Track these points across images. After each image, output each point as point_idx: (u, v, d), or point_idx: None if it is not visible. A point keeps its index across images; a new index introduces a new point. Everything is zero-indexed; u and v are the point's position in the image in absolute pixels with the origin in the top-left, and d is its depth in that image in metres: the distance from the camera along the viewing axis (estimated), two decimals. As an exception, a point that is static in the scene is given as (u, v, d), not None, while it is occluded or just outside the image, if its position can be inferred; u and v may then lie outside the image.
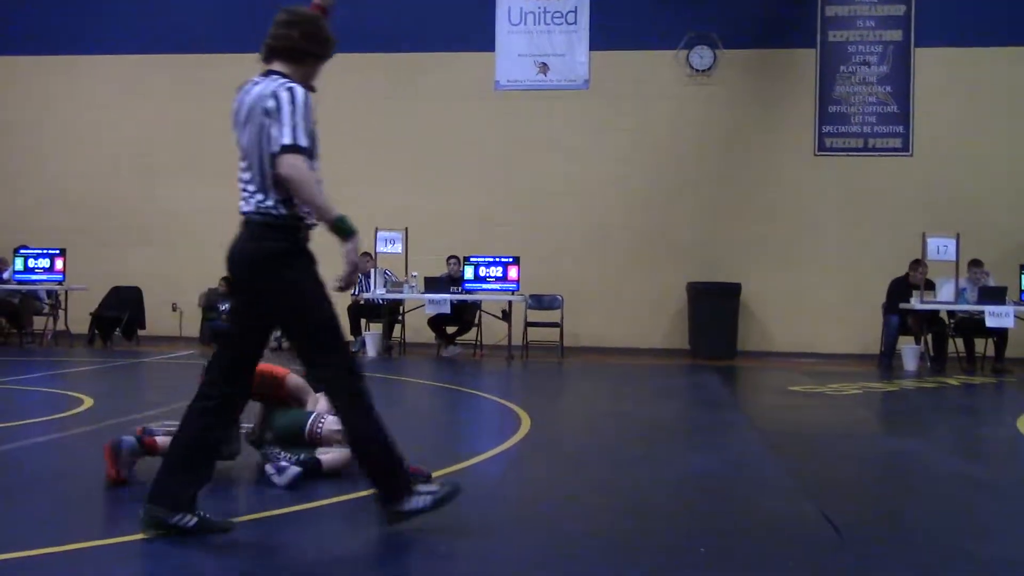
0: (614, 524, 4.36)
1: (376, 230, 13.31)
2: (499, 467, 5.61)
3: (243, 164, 3.99)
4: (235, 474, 5.04)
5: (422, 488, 4.02)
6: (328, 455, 4.99)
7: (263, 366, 4.76)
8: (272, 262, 3.90)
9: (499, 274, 13.28)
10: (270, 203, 3.89)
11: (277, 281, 3.91)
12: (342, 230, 3.93)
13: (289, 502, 4.49)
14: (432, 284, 13.09)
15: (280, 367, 5.30)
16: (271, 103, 3.82)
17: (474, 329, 13.56)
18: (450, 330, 13.55)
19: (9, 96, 15.65)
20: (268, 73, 4.01)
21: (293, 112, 3.78)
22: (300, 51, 4.07)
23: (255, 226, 3.92)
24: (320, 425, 5.10)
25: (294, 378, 5.28)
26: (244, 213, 3.97)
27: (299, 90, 3.86)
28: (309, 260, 4.04)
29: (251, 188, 3.93)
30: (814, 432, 7.23)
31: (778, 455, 6.01)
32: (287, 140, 3.75)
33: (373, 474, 3.96)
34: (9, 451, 5.70)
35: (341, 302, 13.83)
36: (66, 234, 14.62)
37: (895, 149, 14.27)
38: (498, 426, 6.52)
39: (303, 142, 3.78)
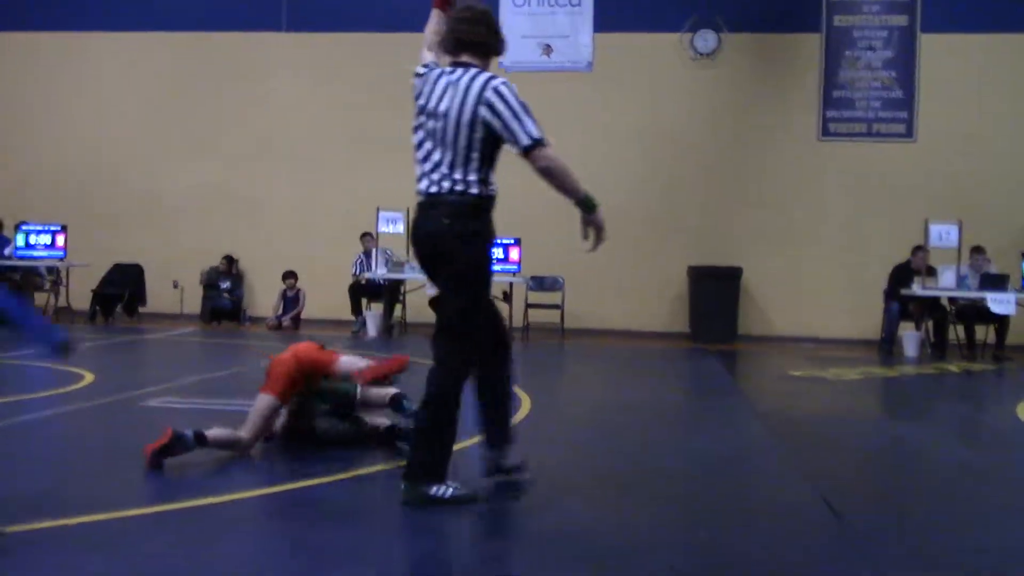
0: (613, 507, 4.37)
1: (378, 210, 13.29)
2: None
3: (431, 146, 4.25)
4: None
5: (448, 482, 4.10)
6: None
7: (305, 360, 5.05)
8: (467, 240, 4.16)
9: (500, 255, 13.26)
10: (466, 186, 4.16)
11: (464, 256, 4.17)
12: (589, 204, 4.26)
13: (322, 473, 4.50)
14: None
15: (323, 353, 5.25)
16: (494, 98, 4.17)
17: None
18: (451, 311, 13.55)
19: (10, 73, 15.59)
20: (459, 64, 4.33)
21: (523, 107, 4.20)
22: (488, 46, 4.47)
23: (449, 206, 4.15)
24: (368, 390, 5.19)
25: (343, 359, 5.27)
26: (433, 194, 4.20)
27: (512, 85, 4.25)
28: (491, 239, 4.33)
29: (444, 170, 4.18)
30: (814, 417, 7.24)
31: (778, 440, 6.02)
32: (536, 134, 4.18)
33: (420, 445, 4.10)
34: (12, 425, 5.71)
35: (342, 283, 13.88)
36: (67, 211, 14.60)
37: (899, 135, 14.24)
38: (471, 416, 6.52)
39: (543, 133, 4.18)
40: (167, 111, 15.26)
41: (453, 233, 4.12)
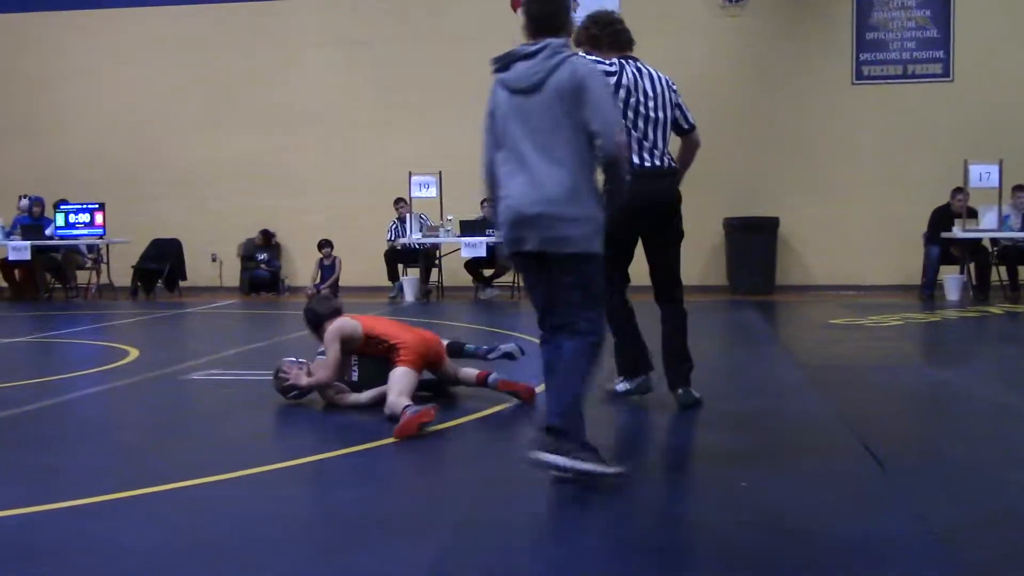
0: (654, 461, 4.39)
1: (410, 174, 13.30)
2: (538, 407, 5.65)
3: (645, 126, 5.18)
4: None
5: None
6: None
7: (433, 350, 5.53)
8: (679, 204, 5.35)
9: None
10: (672, 160, 5.34)
11: (679, 217, 5.37)
12: None
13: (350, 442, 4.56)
14: (468, 227, 13.09)
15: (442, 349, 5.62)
16: (675, 87, 5.36)
17: (510, 271, 13.58)
18: (487, 272, 13.59)
19: (44, 52, 15.73)
20: (626, 57, 5.34)
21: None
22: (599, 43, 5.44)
23: (670, 177, 5.26)
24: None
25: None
26: (659, 167, 5.19)
27: None
28: None
29: (661, 147, 5.22)
30: (855, 365, 7.20)
31: (819, 388, 6.00)
32: (693, 121, 5.51)
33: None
34: (62, 403, 5.83)
35: (377, 248, 13.94)
36: (104, 188, 14.78)
37: (935, 75, 13.96)
38: (537, 366, 6.55)
39: None
40: (198, 84, 15.34)
41: (678, 198, 5.30)
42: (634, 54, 5.41)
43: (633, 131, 5.09)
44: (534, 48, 3.89)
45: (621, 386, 5.55)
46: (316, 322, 5.52)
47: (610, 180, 3.92)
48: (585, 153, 3.84)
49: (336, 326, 5.37)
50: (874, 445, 4.38)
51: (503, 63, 3.96)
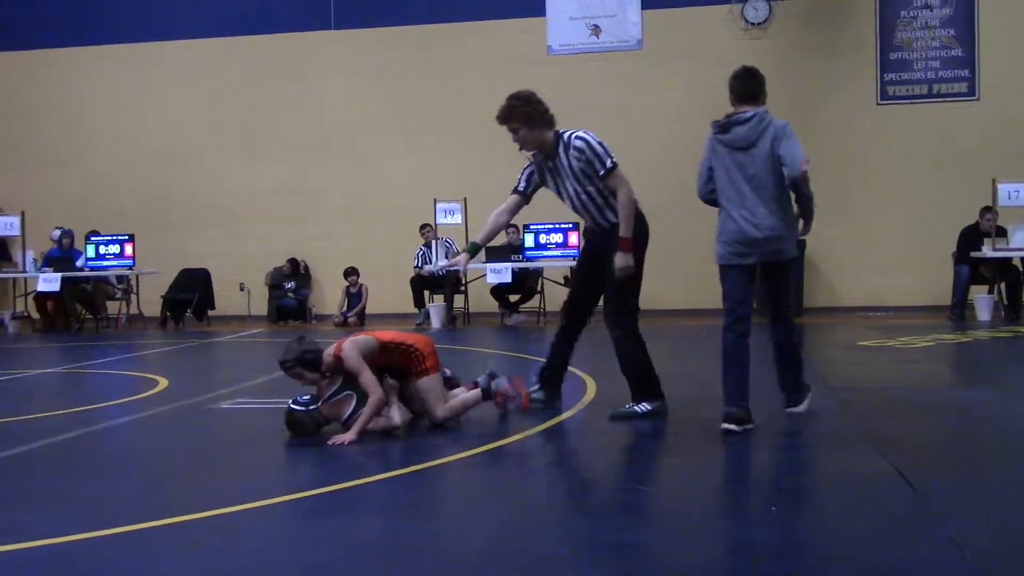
0: (682, 486, 4.36)
1: (435, 201, 13.37)
2: (567, 432, 5.65)
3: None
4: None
5: (647, 404, 5.79)
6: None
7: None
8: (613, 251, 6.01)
9: (560, 240, 13.26)
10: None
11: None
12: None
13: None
14: (493, 253, 13.13)
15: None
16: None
17: (537, 296, 13.59)
18: (513, 298, 13.60)
19: (76, 85, 15.98)
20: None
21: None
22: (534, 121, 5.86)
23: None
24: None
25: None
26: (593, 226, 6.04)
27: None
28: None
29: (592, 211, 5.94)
30: (885, 386, 7.13)
31: (847, 409, 5.95)
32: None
33: (626, 375, 5.90)
34: (94, 432, 5.88)
35: (404, 275, 14.00)
36: (133, 219, 14.95)
37: (961, 94, 13.89)
38: (565, 392, 6.55)
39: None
40: (227, 115, 15.52)
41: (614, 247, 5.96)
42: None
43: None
44: (747, 116, 5.33)
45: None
46: (317, 362, 5.40)
47: (799, 197, 5.38)
48: (785, 188, 5.35)
49: (353, 348, 5.34)
50: (906, 468, 4.34)
51: (722, 127, 5.43)
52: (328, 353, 5.42)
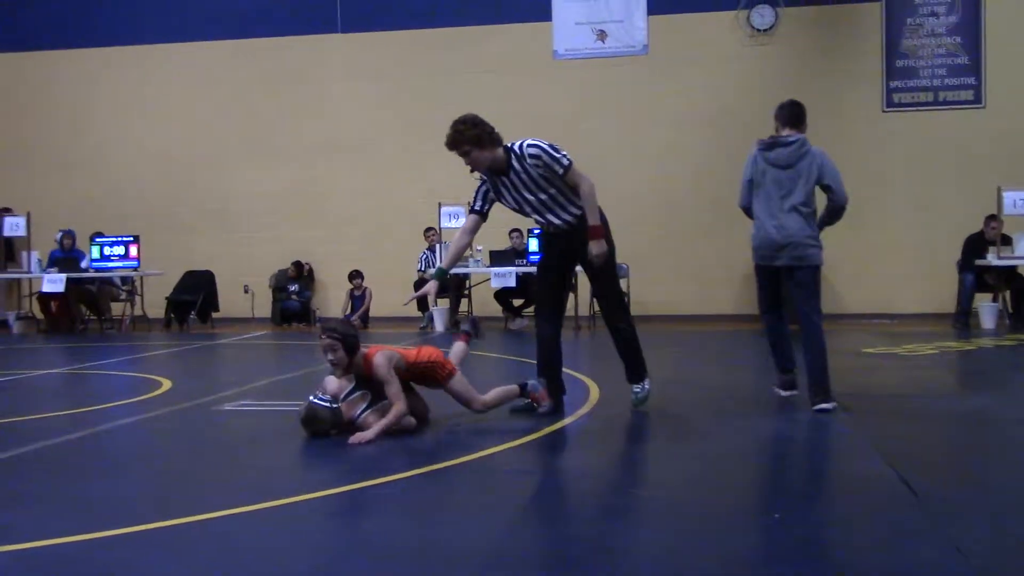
0: (685, 492, 4.35)
1: (440, 205, 13.38)
2: (568, 437, 5.64)
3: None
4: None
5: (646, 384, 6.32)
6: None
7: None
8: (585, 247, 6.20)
9: (564, 244, 13.22)
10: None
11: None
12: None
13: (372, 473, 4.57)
14: (497, 258, 13.13)
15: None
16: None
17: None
18: (516, 303, 13.59)
19: (84, 87, 16.03)
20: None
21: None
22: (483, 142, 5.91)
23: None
24: None
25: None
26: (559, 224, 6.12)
27: None
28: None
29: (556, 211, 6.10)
30: (889, 394, 7.12)
31: (852, 416, 5.94)
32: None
33: (627, 361, 6.30)
34: (97, 433, 5.88)
35: (408, 279, 14.00)
36: (139, 220, 14.99)
37: (967, 101, 13.89)
38: (567, 397, 6.54)
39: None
40: (230, 118, 15.55)
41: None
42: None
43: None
44: (791, 140, 6.32)
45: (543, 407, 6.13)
46: (355, 349, 5.54)
47: (833, 214, 6.48)
48: (811, 205, 6.32)
49: (385, 359, 5.53)
50: (910, 475, 4.33)
51: (768, 146, 6.38)
52: (359, 352, 5.55)
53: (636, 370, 6.29)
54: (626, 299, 6.39)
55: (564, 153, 5.83)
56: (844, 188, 6.34)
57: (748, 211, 6.50)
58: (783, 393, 6.60)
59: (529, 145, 5.80)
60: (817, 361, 6.18)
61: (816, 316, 6.30)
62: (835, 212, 6.45)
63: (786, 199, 6.24)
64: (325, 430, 5.47)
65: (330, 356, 5.54)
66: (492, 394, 6.01)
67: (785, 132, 6.43)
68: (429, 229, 13.90)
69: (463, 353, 6.27)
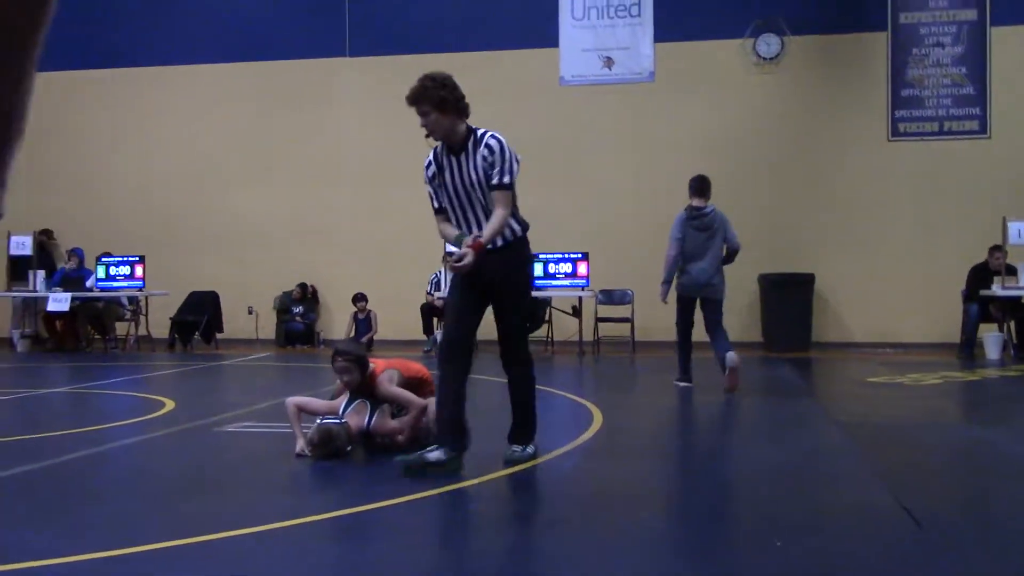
0: (688, 519, 4.35)
1: (445, 229, 13.40)
2: (571, 462, 5.63)
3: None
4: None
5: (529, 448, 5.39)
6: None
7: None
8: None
9: (568, 270, 13.27)
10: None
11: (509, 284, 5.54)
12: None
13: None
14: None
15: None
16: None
17: (545, 325, 13.59)
18: (521, 327, 13.58)
19: (92, 108, 16.12)
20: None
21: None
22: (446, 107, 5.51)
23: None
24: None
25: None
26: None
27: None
28: None
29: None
30: (893, 423, 7.10)
31: (856, 446, 5.92)
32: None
33: (516, 414, 5.47)
34: (100, 453, 5.89)
35: (413, 302, 14.02)
36: (146, 240, 15.04)
37: (972, 132, 13.92)
38: (570, 422, 6.54)
39: None
40: (237, 139, 15.63)
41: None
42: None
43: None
44: (707, 211, 8.79)
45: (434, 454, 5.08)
46: (367, 366, 5.68)
47: (731, 257, 8.93)
48: (720, 256, 8.77)
49: (387, 379, 5.69)
50: (912, 504, 4.31)
51: (692, 216, 8.76)
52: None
53: (523, 427, 5.40)
54: (529, 348, 5.59)
55: (513, 173, 5.22)
56: (737, 237, 8.85)
57: (676, 260, 8.78)
58: (682, 384, 8.92)
59: (493, 136, 5.33)
60: (726, 345, 8.61)
61: (721, 324, 8.80)
62: (732, 255, 8.91)
63: (705, 252, 8.70)
64: (342, 447, 5.48)
65: (345, 377, 5.65)
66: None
67: (697, 202, 8.79)
68: (449, 253, 13.89)
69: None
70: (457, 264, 5.03)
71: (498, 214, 5.09)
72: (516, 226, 5.26)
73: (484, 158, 5.21)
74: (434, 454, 4.97)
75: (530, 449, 5.36)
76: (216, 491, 4.93)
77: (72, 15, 16.09)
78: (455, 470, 4.97)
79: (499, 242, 5.18)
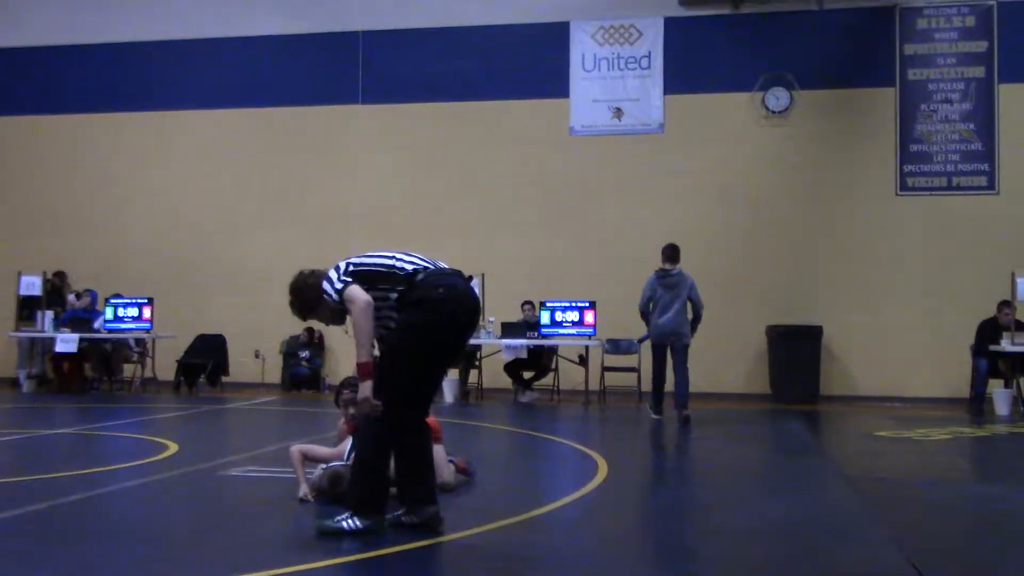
0: (693, 574, 4.29)
1: (453, 276, 13.41)
2: (576, 513, 5.57)
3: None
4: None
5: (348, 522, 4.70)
6: None
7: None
8: None
9: (575, 319, 13.25)
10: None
11: None
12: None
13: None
14: (509, 329, 13.13)
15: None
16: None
17: (551, 374, 13.54)
18: (527, 375, 13.55)
19: (105, 150, 16.25)
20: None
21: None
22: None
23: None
24: None
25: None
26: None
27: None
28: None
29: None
30: (901, 478, 7.03)
31: (864, 501, 5.86)
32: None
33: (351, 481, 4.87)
34: (101, 495, 5.85)
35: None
36: (154, 282, 15.07)
37: (980, 187, 13.94)
38: (576, 472, 6.49)
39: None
40: (247, 184, 15.73)
41: None
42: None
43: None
44: (674, 272, 10.43)
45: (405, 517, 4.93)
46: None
47: (697, 319, 10.61)
48: (686, 310, 10.38)
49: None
50: (921, 561, 4.25)
51: (661, 276, 10.50)
52: None
53: (352, 495, 4.81)
54: (398, 409, 4.76)
55: (334, 282, 4.94)
56: (701, 299, 10.59)
57: (644, 314, 10.70)
58: (654, 417, 10.73)
59: (326, 277, 5.06)
60: (685, 384, 10.48)
61: (687, 366, 10.51)
62: (698, 317, 10.62)
63: (672, 306, 10.45)
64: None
65: (352, 410, 5.66)
66: (447, 474, 5.90)
67: (668, 265, 10.54)
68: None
69: (448, 472, 5.98)
70: (361, 401, 4.72)
71: (354, 322, 4.76)
72: (399, 293, 4.88)
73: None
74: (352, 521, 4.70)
75: (345, 523, 4.70)
76: (217, 536, 4.89)
77: (86, 59, 16.32)
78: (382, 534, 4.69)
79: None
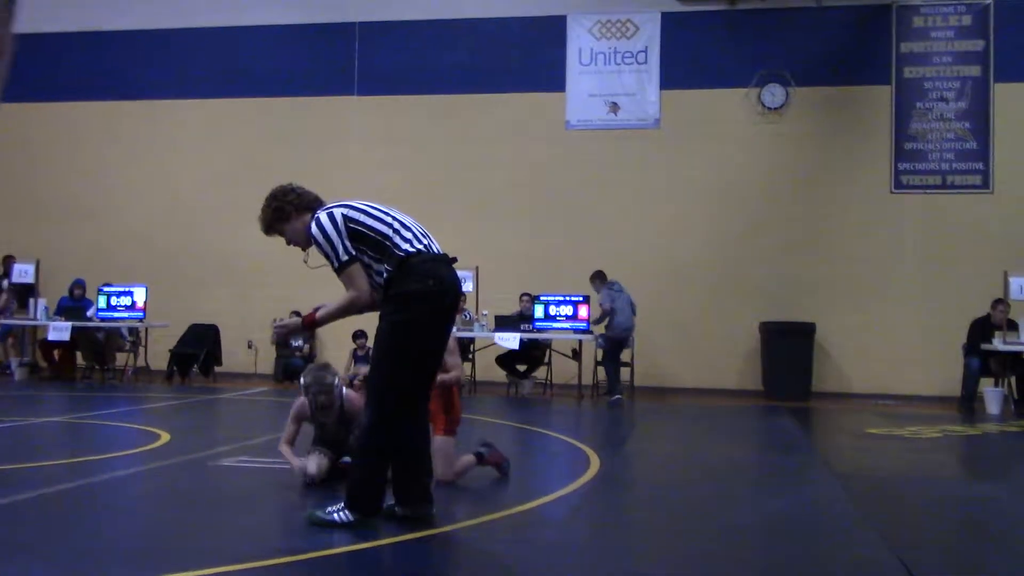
0: (682, 570, 4.29)
1: (447, 269, 13.41)
2: (567, 508, 5.58)
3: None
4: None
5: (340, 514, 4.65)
6: None
7: None
8: None
9: (569, 312, 13.26)
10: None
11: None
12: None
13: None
14: (502, 322, 13.14)
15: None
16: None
17: (544, 367, 13.55)
18: (520, 368, 13.56)
19: (98, 139, 16.21)
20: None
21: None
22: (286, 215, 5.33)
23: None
24: None
25: None
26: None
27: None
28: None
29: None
30: (892, 476, 7.05)
31: (854, 499, 5.87)
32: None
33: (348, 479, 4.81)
34: (92, 484, 5.84)
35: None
36: (148, 272, 15.04)
37: (975, 186, 13.97)
38: (567, 466, 6.49)
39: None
40: (241, 174, 15.68)
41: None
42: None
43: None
44: (619, 285, 12.70)
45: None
46: (332, 390, 6.08)
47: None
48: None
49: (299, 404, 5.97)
50: (910, 560, 4.26)
51: (613, 287, 12.79)
52: (343, 392, 6.10)
53: (348, 490, 4.72)
54: (395, 398, 4.72)
55: (340, 252, 4.85)
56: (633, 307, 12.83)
57: (609, 312, 12.61)
58: (615, 397, 12.17)
59: (312, 223, 4.96)
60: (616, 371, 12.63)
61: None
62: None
63: (624, 309, 12.57)
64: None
65: (324, 404, 5.86)
66: (459, 464, 5.96)
67: (611, 281, 12.84)
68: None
69: (466, 465, 6.00)
70: (278, 325, 5.18)
71: (343, 297, 4.91)
72: (388, 273, 4.83)
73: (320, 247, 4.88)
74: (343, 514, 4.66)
75: (337, 516, 4.64)
76: (207, 526, 4.88)
77: (80, 47, 16.26)
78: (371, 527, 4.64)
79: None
